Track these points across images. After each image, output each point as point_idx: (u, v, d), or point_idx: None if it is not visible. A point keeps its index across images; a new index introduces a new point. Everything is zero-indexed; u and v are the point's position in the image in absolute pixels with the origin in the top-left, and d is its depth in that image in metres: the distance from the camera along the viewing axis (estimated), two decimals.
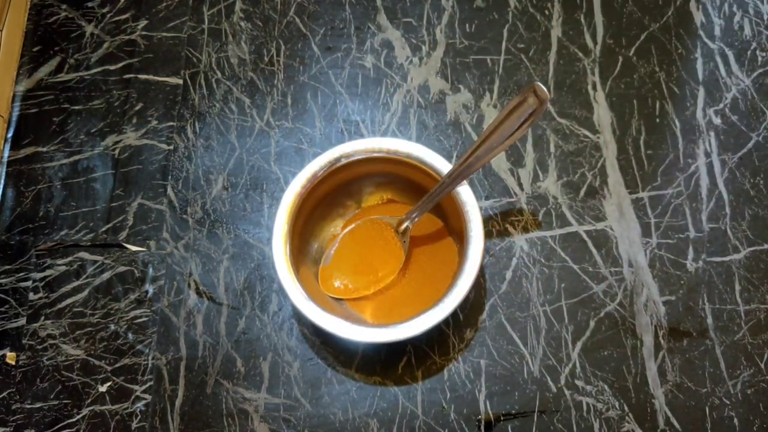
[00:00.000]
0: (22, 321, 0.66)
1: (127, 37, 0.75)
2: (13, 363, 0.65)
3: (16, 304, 0.66)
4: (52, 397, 0.64)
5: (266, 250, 0.67)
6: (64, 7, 0.77)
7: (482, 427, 0.62)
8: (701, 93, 0.72)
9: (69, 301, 0.66)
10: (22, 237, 0.69)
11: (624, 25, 0.75)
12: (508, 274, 0.66)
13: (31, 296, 0.67)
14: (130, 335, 0.65)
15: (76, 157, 0.71)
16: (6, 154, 0.72)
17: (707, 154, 0.70)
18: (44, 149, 0.72)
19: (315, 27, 0.75)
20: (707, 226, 0.67)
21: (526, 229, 0.68)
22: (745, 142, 0.70)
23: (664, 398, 0.62)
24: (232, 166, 0.70)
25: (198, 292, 0.66)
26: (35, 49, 0.75)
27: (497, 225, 0.68)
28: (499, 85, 0.73)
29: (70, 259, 0.68)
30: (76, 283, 0.67)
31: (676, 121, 0.71)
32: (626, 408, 0.62)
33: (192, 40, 0.75)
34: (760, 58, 0.73)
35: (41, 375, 0.64)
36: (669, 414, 0.62)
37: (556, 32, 0.74)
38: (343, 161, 0.62)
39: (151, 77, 0.74)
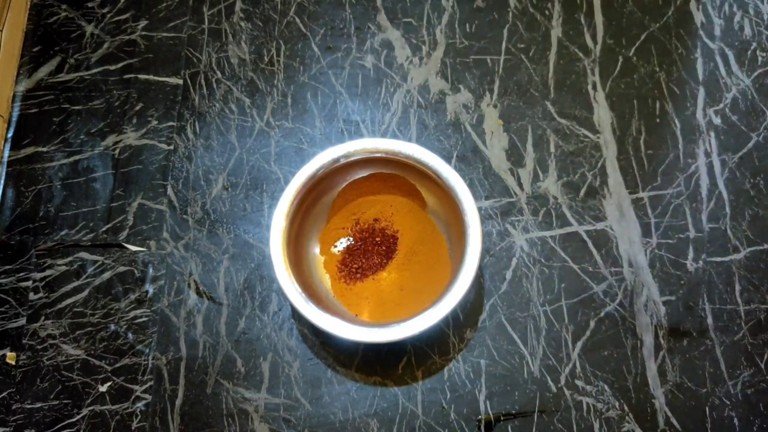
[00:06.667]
0: (22, 321, 0.66)
1: (127, 37, 0.75)
2: (13, 363, 0.65)
3: (16, 304, 0.66)
4: (52, 397, 0.64)
5: (266, 250, 0.67)
6: (64, 7, 0.77)
7: (482, 427, 0.62)
8: (701, 93, 0.72)
9: (69, 301, 0.66)
10: (22, 237, 0.69)
11: (624, 25, 0.75)
12: (508, 274, 0.66)
13: (31, 296, 0.67)
14: (130, 335, 0.65)
15: (76, 157, 0.71)
16: (6, 154, 0.72)
17: (707, 154, 0.70)
18: (44, 149, 0.72)
19: (315, 27, 0.75)
20: (707, 226, 0.67)
21: (526, 229, 0.68)
22: (745, 142, 0.70)
23: (664, 398, 0.62)
24: (232, 166, 0.70)
25: (198, 292, 0.66)
26: (35, 49, 0.75)
27: (497, 225, 0.68)
28: (499, 85, 0.73)
29: (70, 259, 0.68)
30: (76, 283, 0.67)
31: (676, 121, 0.71)
32: (626, 408, 0.62)
33: (192, 40, 0.75)
34: (760, 58, 0.73)
35: (41, 375, 0.64)
36: (669, 414, 0.62)
37: (556, 32, 0.74)
38: (343, 161, 0.62)
39: (151, 77, 0.74)
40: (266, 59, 0.74)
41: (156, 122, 0.72)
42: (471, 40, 0.74)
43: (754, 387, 0.63)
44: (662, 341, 0.64)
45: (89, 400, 0.63)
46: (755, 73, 0.73)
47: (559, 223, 0.68)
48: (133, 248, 0.68)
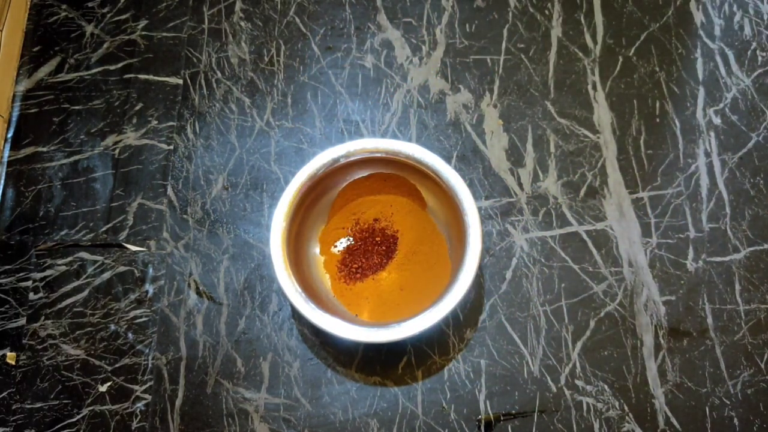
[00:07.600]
0: (22, 321, 0.66)
1: (127, 37, 0.75)
2: (13, 363, 0.65)
3: (16, 304, 0.66)
4: (52, 397, 0.64)
5: (266, 250, 0.67)
6: (64, 7, 0.76)
7: (482, 427, 0.62)
8: (701, 93, 0.72)
9: (69, 301, 0.66)
10: (22, 237, 0.69)
11: (624, 25, 0.75)
12: (508, 274, 0.66)
13: (31, 296, 0.67)
14: (130, 335, 0.65)
15: (76, 157, 0.71)
16: (6, 154, 0.72)
17: (707, 154, 0.70)
18: (44, 149, 0.72)
19: (315, 27, 0.75)
20: (707, 226, 0.67)
21: (526, 229, 0.68)
22: (745, 142, 0.70)
23: (664, 398, 0.62)
24: (232, 166, 0.70)
25: (198, 292, 0.66)
26: (35, 49, 0.75)
27: (497, 225, 0.68)
28: (499, 85, 0.73)
29: (70, 259, 0.68)
30: (76, 283, 0.67)
31: (676, 121, 0.71)
32: (626, 408, 0.62)
33: (192, 40, 0.75)
34: (760, 58, 0.73)
35: (41, 375, 0.64)
36: (669, 414, 0.62)
37: (556, 32, 0.74)
38: (343, 161, 0.62)
39: (151, 77, 0.74)
40: (266, 59, 0.74)
41: (156, 122, 0.72)
42: (471, 40, 0.74)
43: (754, 387, 0.63)
44: (662, 341, 0.64)
45: (89, 400, 0.63)
46: (755, 73, 0.73)
47: (559, 223, 0.68)
48: (133, 248, 0.68)
